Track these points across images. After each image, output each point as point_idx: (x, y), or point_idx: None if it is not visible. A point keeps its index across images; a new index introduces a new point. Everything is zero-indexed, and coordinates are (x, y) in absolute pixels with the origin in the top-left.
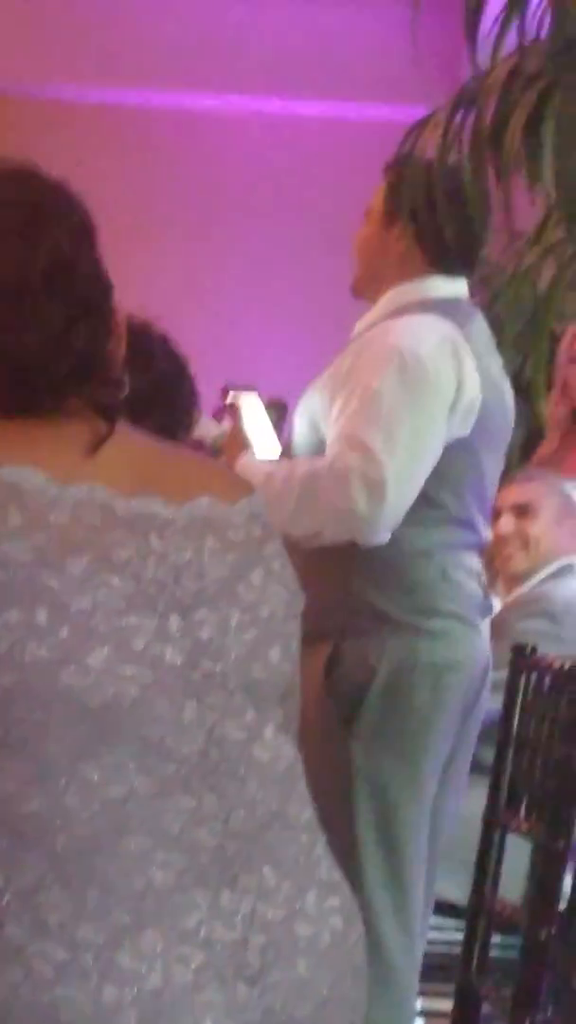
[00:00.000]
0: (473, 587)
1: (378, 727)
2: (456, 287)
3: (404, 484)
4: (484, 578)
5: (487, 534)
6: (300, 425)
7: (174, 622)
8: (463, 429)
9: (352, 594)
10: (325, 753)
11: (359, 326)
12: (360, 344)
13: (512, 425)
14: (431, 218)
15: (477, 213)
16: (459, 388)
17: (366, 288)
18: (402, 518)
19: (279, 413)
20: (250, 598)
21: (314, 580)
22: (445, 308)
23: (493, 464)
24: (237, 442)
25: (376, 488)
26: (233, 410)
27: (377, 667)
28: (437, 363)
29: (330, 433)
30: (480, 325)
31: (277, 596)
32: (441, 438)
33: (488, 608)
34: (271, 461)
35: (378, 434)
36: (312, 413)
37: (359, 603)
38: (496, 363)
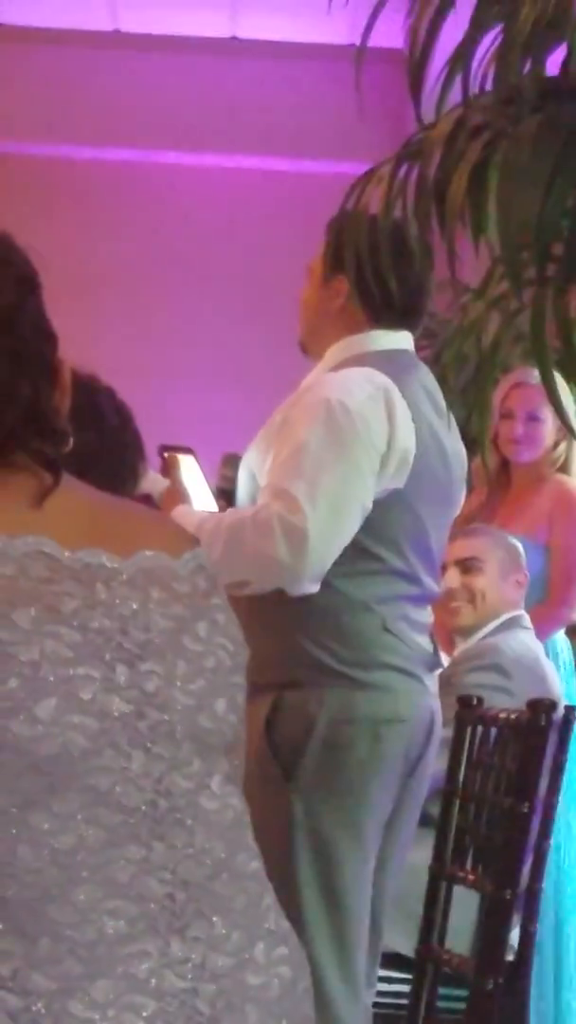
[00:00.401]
0: (417, 640)
1: (318, 781)
2: (398, 339)
3: (328, 534)
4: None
5: (434, 587)
6: (242, 479)
7: (121, 673)
8: (397, 481)
9: (292, 646)
10: (266, 806)
11: (304, 382)
12: (291, 400)
13: (464, 478)
14: (368, 272)
15: (422, 266)
16: (391, 439)
17: (311, 346)
18: (328, 568)
19: (235, 467)
20: (196, 649)
21: (255, 631)
22: (383, 360)
23: (436, 517)
24: (174, 494)
25: (298, 537)
26: (170, 467)
27: (316, 719)
28: (366, 414)
29: (262, 484)
30: (421, 376)
31: (223, 648)
32: (369, 489)
33: (436, 662)
34: (204, 512)
35: (301, 483)
36: (250, 466)
37: (299, 655)
38: (438, 415)
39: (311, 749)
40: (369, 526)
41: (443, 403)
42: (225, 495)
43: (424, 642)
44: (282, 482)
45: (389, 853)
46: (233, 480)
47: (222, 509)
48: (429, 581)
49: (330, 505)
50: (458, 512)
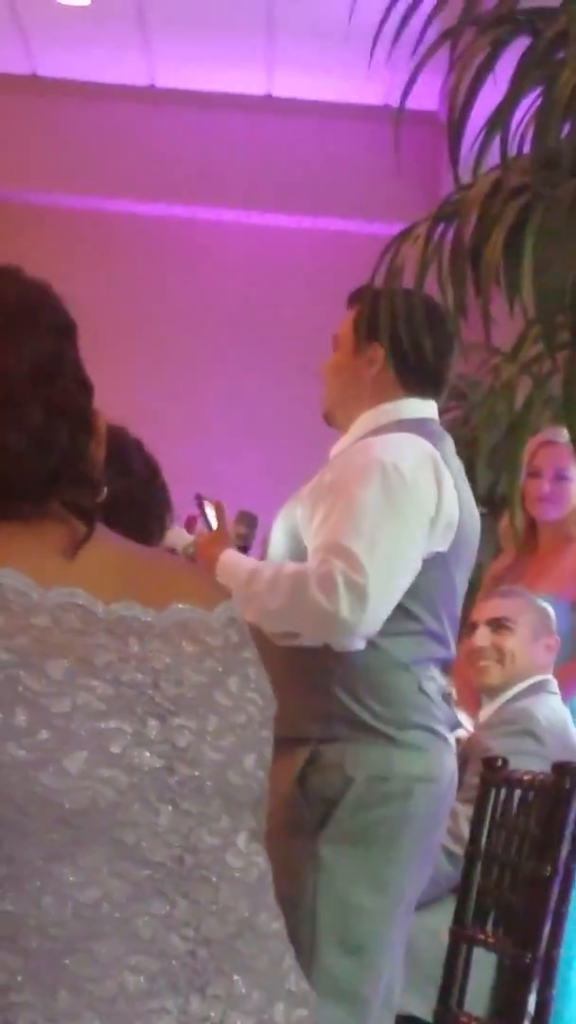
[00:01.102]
0: (442, 701)
1: (349, 833)
2: (428, 408)
3: (384, 592)
4: (453, 693)
5: (454, 651)
6: (277, 537)
7: (152, 727)
8: (442, 545)
9: (331, 701)
10: (292, 855)
11: (335, 450)
12: (342, 459)
13: (477, 545)
14: (403, 343)
15: (455, 327)
16: (439, 504)
17: (338, 414)
18: (380, 627)
19: (249, 525)
20: (227, 704)
21: (295, 686)
22: (421, 428)
23: (463, 582)
24: (220, 538)
25: (359, 593)
26: (218, 512)
27: (354, 775)
28: (418, 478)
29: (312, 542)
30: (450, 446)
31: (253, 703)
32: (421, 551)
33: (456, 723)
34: (255, 560)
35: (361, 541)
36: (292, 525)
37: (337, 711)
38: (465, 485)
39: (346, 803)
40: (412, 587)
41: (464, 471)
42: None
43: (446, 703)
44: (341, 539)
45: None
46: (247, 538)
47: None
48: (453, 644)
49: (387, 565)
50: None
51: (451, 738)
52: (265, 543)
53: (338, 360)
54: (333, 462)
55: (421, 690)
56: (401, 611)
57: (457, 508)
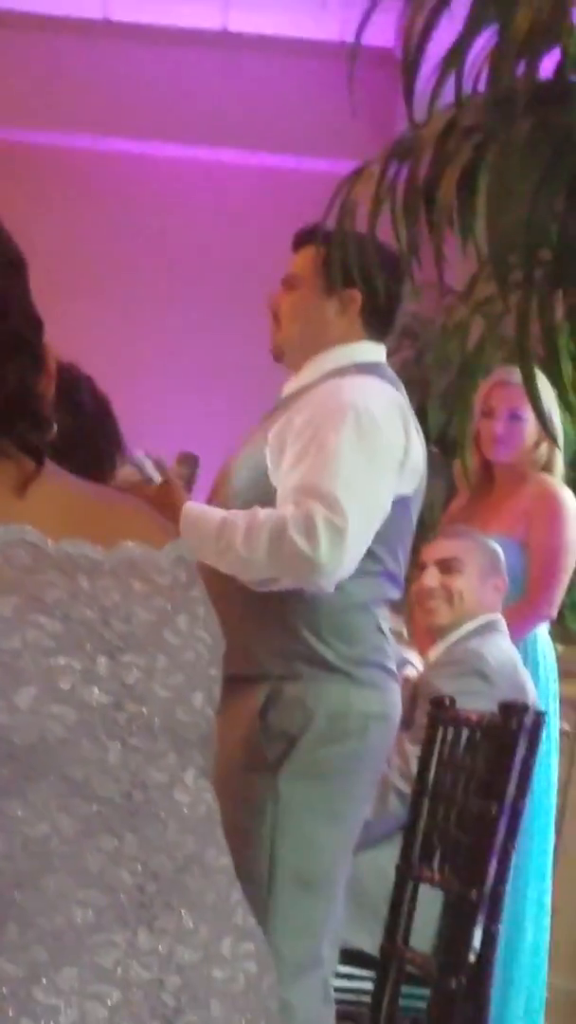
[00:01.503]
0: (392, 641)
1: (307, 770)
2: (381, 352)
3: (361, 535)
4: (404, 633)
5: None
6: (240, 477)
7: (102, 664)
8: (407, 488)
9: (295, 640)
10: (250, 791)
11: (288, 388)
12: (310, 401)
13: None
14: (365, 286)
15: (407, 267)
16: (406, 449)
17: (291, 353)
18: (354, 569)
19: (191, 466)
20: (176, 643)
21: (258, 624)
22: (378, 371)
23: (415, 524)
24: (173, 491)
25: (339, 535)
26: (191, 465)
27: (315, 712)
28: (387, 423)
29: (283, 484)
30: (403, 390)
31: (201, 642)
32: (392, 494)
33: (402, 660)
34: (223, 510)
35: (338, 484)
36: (255, 464)
37: (300, 648)
38: (417, 426)
39: (306, 740)
40: (378, 530)
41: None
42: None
43: (395, 642)
44: (318, 482)
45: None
46: (189, 479)
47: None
48: (401, 584)
49: (363, 507)
50: None
51: (398, 674)
52: (222, 482)
53: (296, 300)
54: (299, 403)
55: (379, 629)
56: (366, 553)
57: (423, 453)
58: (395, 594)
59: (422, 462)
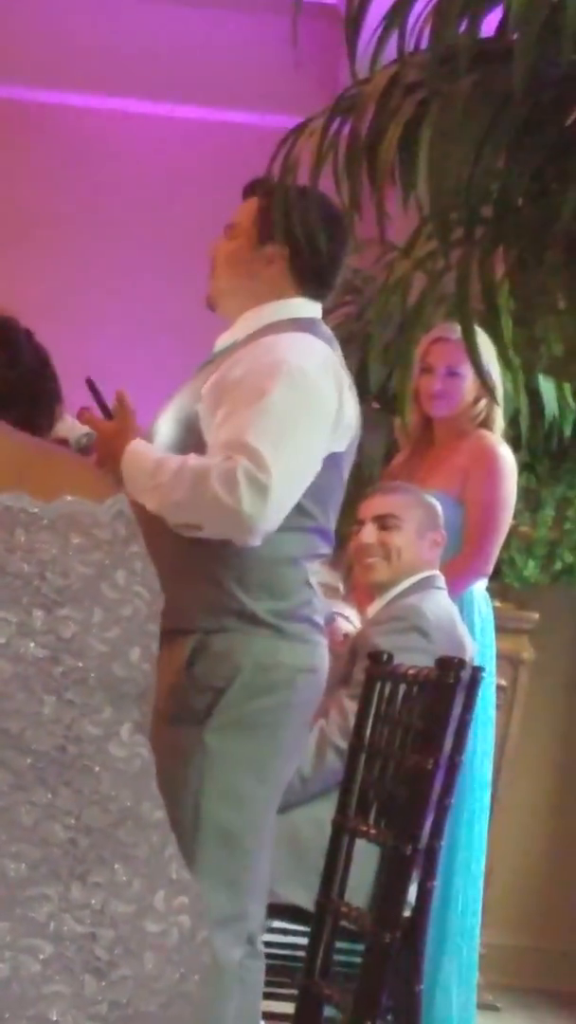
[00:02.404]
0: (321, 596)
1: (234, 723)
2: (316, 309)
3: (286, 490)
4: (341, 588)
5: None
6: (165, 431)
7: (38, 617)
8: (339, 446)
9: (223, 594)
10: (177, 744)
11: (221, 341)
12: (245, 356)
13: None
14: (304, 242)
15: (349, 222)
16: (339, 406)
17: (224, 302)
18: (277, 525)
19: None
20: (113, 597)
21: (187, 577)
22: (313, 328)
23: (346, 481)
24: (125, 429)
25: (262, 490)
26: (120, 403)
27: (241, 665)
28: (320, 379)
29: (215, 438)
30: (338, 349)
31: (139, 597)
32: (322, 451)
33: (329, 614)
34: (162, 453)
35: (266, 440)
36: (187, 417)
37: (229, 602)
38: (350, 384)
39: (232, 692)
40: (309, 486)
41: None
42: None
43: (323, 597)
44: (247, 438)
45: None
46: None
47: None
48: (332, 540)
49: (291, 464)
50: None
51: (325, 629)
52: (148, 435)
53: (233, 249)
54: (236, 357)
55: (308, 584)
56: (296, 508)
57: (356, 410)
58: (326, 549)
59: (355, 419)
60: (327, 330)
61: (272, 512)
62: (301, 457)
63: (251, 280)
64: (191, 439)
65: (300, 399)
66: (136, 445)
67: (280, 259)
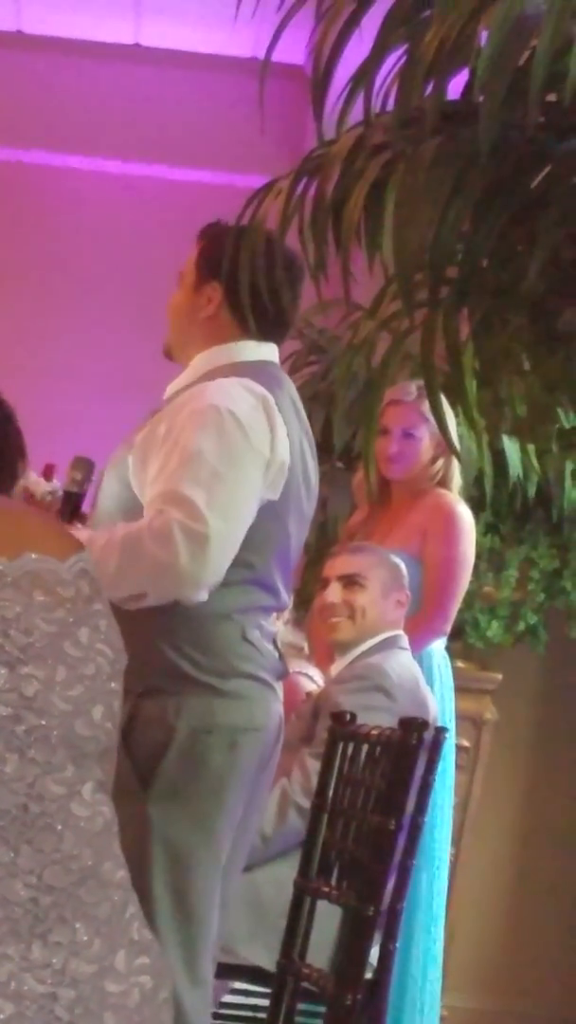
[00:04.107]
0: (269, 649)
1: (175, 788)
2: (265, 351)
3: (225, 539)
4: (306, 648)
5: (288, 598)
6: (110, 486)
7: (1, 675)
8: (273, 492)
9: (152, 653)
10: (121, 813)
11: (169, 390)
12: (174, 406)
13: (316, 496)
14: (239, 283)
15: (305, 278)
16: (272, 450)
17: (177, 352)
18: (223, 574)
19: (86, 471)
20: (76, 655)
21: None
22: (256, 371)
23: (297, 530)
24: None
25: (200, 542)
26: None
27: (176, 728)
28: (252, 422)
29: (148, 493)
30: (290, 390)
31: (102, 655)
32: (257, 498)
33: (283, 671)
34: (88, 529)
35: (199, 490)
36: (122, 474)
37: (159, 663)
38: (302, 431)
39: (169, 757)
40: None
41: (306, 420)
42: (71, 498)
43: (273, 650)
44: (179, 488)
45: (233, 860)
46: (83, 484)
47: (67, 513)
48: (284, 592)
49: (227, 512)
50: (308, 527)
51: (277, 685)
52: (97, 489)
53: (178, 297)
54: (165, 410)
55: (245, 639)
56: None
57: (288, 453)
58: (271, 602)
59: (288, 465)
60: (275, 372)
61: (214, 561)
62: (237, 502)
63: (195, 325)
64: (127, 494)
65: (229, 444)
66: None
67: (216, 297)
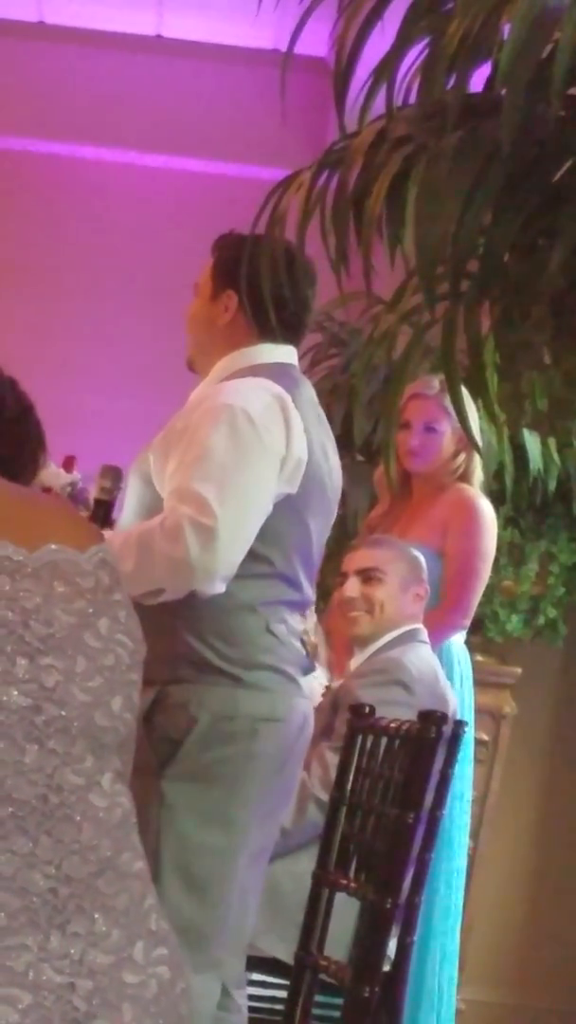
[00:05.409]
0: (294, 644)
1: (193, 773)
2: (283, 353)
3: (236, 533)
4: (323, 640)
5: (312, 594)
6: (133, 485)
7: (21, 666)
8: (290, 487)
9: (178, 644)
10: (135, 796)
11: (194, 395)
12: (189, 407)
13: (339, 494)
14: (256, 289)
15: (336, 275)
16: (287, 446)
17: (199, 361)
18: (237, 566)
19: (114, 479)
20: (96, 646)
21: (143, 628)
22: (275, 372)
23: (319, 527)
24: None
25: (209, 536)
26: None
27: (198, 715)
28: (266, 420)
29: (165, 490)
30: (308, 391)
31: (122, 645)
32: (271, 493)
33: (310, 666)
34: (107, 531)
35: (210, 486)
36: (144, 473)
37: (184, 653)
38: (322, 430)
39: (190, 742)
40: (260, 529)
41: (326, 421)
42: (101, 506)
43: (299, 645)
44: (189, 484)
45: (256, 847)
46: (112, 491)
47: (98, 520)
48: (308, 588)
49: (237, 506)
50: (332, 524)
51: (301, 679)
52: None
53: (196, 307)
54: (183, 409)
55: (269, 631)
56: (249, 553)
57: (306, 450)
58: (296, 596)
59: (306, 461)
60: (293, 373)
61: (224, 554)
62: (248, 496)
63: (214, 333)
64: (151, 494)
65: (242, 440)
66: None
67: (233, 306)
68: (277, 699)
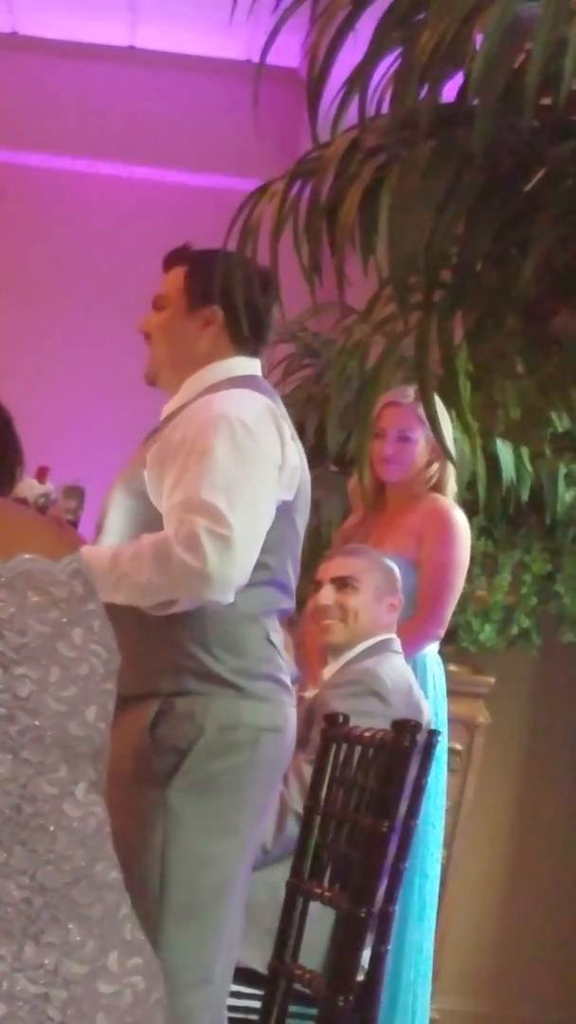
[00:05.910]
0: (285, 653)
1: (197, 783)
2: (255, 366)
3: (249, 541)
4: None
5: (294, 602)
6: (119, 500)
7: None
8: (288, 494)
9: (183, 655)
10: (142, 805)
11: (166, 409)
12: (184, 417)
13: (309, 501)
14: (235, 303)
15: (309, 285)
16: (282, 453)
17: (165, 374)
18: (249, 575)
19: (79, 498)
20: (70, 656)
21: (146, 642)
22: (252, 384)
23: (302, 532)
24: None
25: (226, 545)
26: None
27: (204, 725)
28: (261, 429)
29: (166, 502)
30: (280, 403)
31: (96, 655)
32: (273, 500)
33: (296, 676)
34: (111, 546)
35: (219, 495)
36: (135, 488)
37: (189, 664)
38: (295, 438)
39: (195, 753)
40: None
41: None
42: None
43: (286, 654)
44: (199, 495)
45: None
46: (76, 511)
47: None
48: (294, 595)
49: (248, 515)
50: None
51: (293, 689)
52: (103, 510)
53: (166, 319)
54: (176, 421)
55: (268, 640)
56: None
57: (298, 457)
58: (287, 604)
59: (300, 467)
60: (267, 385)
61: (240, 563)
62: (257, 506)
63: (188, 347)
64: (143, 508)
65: (244, 450)
66: (86, 550)
67: (216, 320)
68: (276, 708)
